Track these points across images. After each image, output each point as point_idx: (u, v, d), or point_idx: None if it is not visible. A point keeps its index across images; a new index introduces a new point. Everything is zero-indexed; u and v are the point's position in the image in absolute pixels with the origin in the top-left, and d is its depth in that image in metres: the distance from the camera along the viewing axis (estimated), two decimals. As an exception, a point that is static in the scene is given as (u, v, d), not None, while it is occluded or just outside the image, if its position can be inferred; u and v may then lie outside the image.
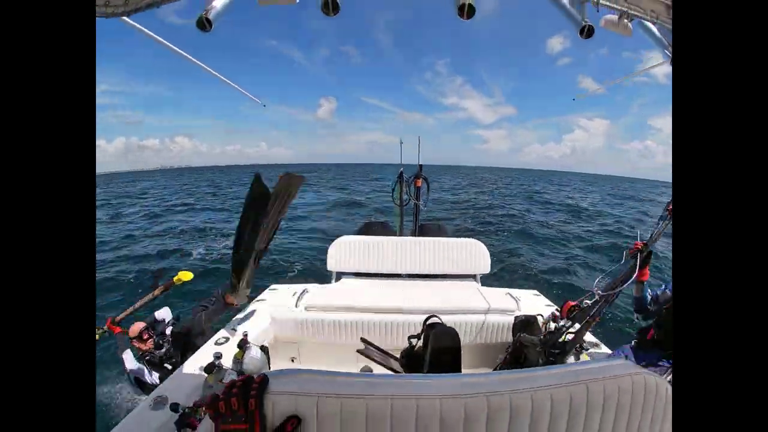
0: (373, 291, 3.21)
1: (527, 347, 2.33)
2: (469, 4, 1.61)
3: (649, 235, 2.03)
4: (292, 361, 3.01)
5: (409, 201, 4.92)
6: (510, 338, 2.70)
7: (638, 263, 2.00)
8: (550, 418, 0.88)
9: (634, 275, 1.99)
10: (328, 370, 0.92)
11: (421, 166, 4.92)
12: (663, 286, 2.32)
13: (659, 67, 2.15)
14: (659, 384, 0.98)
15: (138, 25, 1.52)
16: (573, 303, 2.17)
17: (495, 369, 2.50)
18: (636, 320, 2.57)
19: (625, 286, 2.02)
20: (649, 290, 2.30)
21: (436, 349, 1.84)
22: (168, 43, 1.79)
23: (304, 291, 3.16)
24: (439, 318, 2.17)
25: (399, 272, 3.71)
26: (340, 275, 3.80)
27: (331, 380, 0.87)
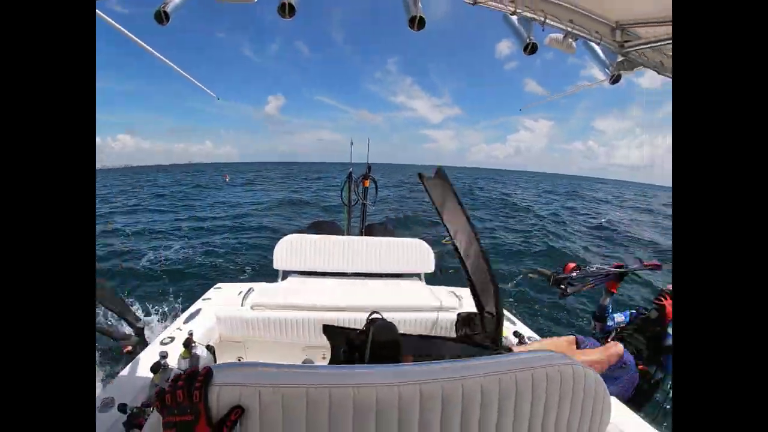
0: (319, 289, 3.22)
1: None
2: (420, 17, 1.72)
3: (632, 266, 2.55)
4: (239, 360, 2.96)
5: (357, 201, 4.94)
6: (453, 335, 2.85)
7: (629, 271, 2.53)
8: (480, 406, 0.95)
9: (614, 271, 2.50)
10: (272, 363, 0.96)
11: (369, 166, 4.96)
12: (622, 313, 2.70)
13: (602, 73, 2.34)
14: (588, 374, 1.05)
15: (103, 15, 1.43)
16: (574, 264, 2.52)
17: None
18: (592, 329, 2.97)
19: (610, 271, 2.52)
20: (610, 306, 2.68)
21: (376, 343, 1.87)
22: (128, 33, 1.71)
23: (249, 290, 3.12)
24: (381, 315, 2.20)
25: (346, 271, 3.72)
26: (286, 274, 3.77)
27: (273, 372, 0.90)
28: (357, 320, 2.69)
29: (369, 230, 4.67)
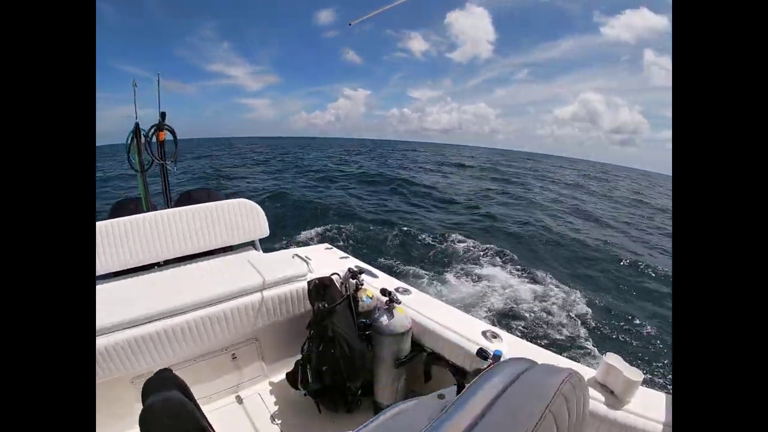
0: (124, 297, 2.28)
1: (330, 317, 2.17)
2: None
3: None
4: None
5: (152, 162, 3.69)
6: (308, 306, 2.44)
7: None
8: None
9: None
10: None
11: (163, 113, 3.64)
12: None
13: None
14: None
15: None
16: None
17: (302, 350, 2.26)
18: None
19: None
20: None
21: None
22: None
23: None
24: (170, 371, 1.55)
25: (159, 260, 2.78)
26: None
27: None
28: (179, 328, 2.16)
29: (190, 199, 3.50)
